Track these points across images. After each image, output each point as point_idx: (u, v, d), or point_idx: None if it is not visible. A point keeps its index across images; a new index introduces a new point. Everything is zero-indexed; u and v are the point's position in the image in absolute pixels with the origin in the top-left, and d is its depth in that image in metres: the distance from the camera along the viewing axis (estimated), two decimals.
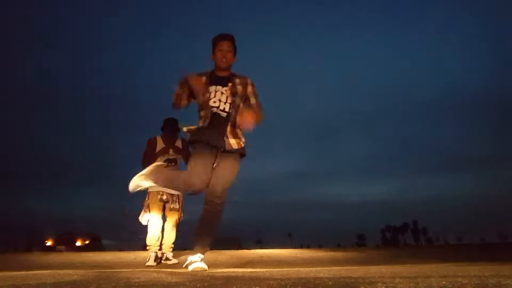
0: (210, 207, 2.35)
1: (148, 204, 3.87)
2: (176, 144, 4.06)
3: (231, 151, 2.39)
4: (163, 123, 4.14)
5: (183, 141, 4.12)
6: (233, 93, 2.47)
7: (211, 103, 2.42)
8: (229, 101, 2.45)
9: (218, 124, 2.40)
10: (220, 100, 2.44)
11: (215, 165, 2.40)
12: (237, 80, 2.55)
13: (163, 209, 3.93)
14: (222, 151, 2.38)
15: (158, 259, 3.72)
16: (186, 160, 4.06)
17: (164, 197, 3.83)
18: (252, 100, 2.55)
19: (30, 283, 1.15)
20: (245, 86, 2.55)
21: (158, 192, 3.81)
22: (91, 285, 1.07)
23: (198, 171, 2.27)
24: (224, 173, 2.37)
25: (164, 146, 4.01)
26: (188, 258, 2.28)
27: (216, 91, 2.45)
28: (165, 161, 3.92)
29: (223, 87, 2.48)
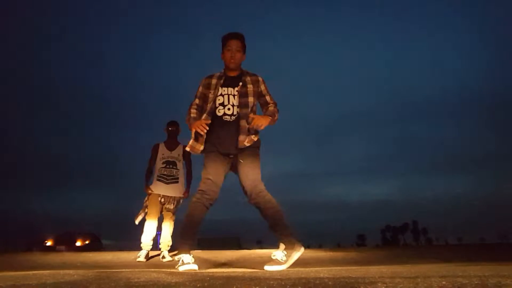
0: (261, 205, 2.40)
1: (146, 206, 4.06)
2: (177, 149, 4.22)
3: (245, 149, 2.48)
4: (166, 126, 4.28)
5: (184, 147, 4.24)
6: (243, 94, 2.53)
7: (224, 110, 2.51)
8: (238, 103, 2.52)
9: (228, 130, 2.49)
10: (232, 105, 2.51)
11: (239, 166, 2.48)
12: (248, 79, 2.60)
13: (161, 210, 4.10)
14: (237, 152, 2.48)
15: (148, 256, 3.96)
16: (187, 166, 4.27)
17: (162, 200, 4.03)
18: (268, 98, 2.62)
19: (30, 283, 1.15)
20: (256, 85, 2.61)
21: (158, 194, 4.02)
22: (91, 285, 1.07)
23: (208, 179, 2.41)
24: (248, 171, 2.46)
25: (166, 150, 4.19)
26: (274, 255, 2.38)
27: (228, 95, 2.53)
28: (163, 163, 4.08)
29: (234, 88, 2.54)
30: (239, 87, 2.54)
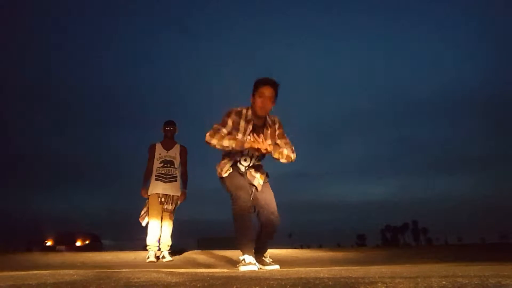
0: (270, 227, 2.57)
1: (148, 207, 4.06)
2: (174, 148, 4.24)
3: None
4: (163, 126, 4.30)
5: (181, 147, 4.32)
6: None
7: (242, 158, 2.61)
8: (256, 155, 2.63)
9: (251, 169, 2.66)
10: (251, 157, 2.63)
11: (258, 194, 2.61)
12: (269, 127, 2.63)
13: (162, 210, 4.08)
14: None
15: (156, 256, 3.96)
16: (183, 166, 4.28)
17: (163, 199, 4.03)
18: (283, 142, 2.66)
19: (30, 283, 1.15)
20: (274, 130, 2.66)
21: (157, 194, 4.02)
22: (91, 285, 1.07)
23: (238, 186, 2.47)
24: (268, 197, 2.60)
25: (162, 149, 4.21)
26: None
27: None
28: (161, 162, 4.10)
29: (258, 136, 2.52)
30: (261, 137, 2.49)
